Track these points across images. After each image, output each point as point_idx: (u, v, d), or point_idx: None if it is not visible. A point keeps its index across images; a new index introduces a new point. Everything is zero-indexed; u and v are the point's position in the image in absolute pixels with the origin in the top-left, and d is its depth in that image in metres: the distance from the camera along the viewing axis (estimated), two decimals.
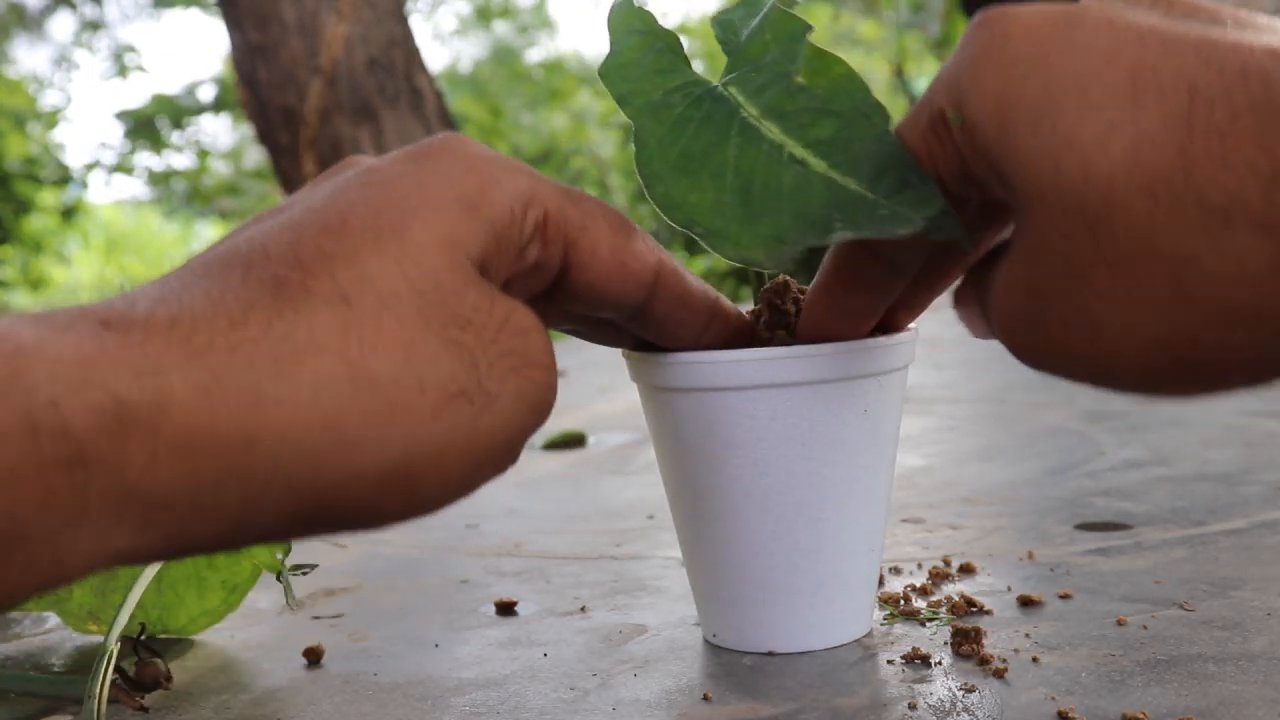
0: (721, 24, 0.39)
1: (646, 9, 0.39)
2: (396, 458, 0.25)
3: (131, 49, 7.57)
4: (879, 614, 0.45)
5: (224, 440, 0.23)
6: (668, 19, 7.25)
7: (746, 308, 0.41)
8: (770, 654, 0.41)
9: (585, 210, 0.30)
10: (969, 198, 0.32)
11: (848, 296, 0.36)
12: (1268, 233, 0.24)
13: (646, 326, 0.34)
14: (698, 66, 0.38)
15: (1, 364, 0.21)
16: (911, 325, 0.40)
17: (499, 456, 0.27)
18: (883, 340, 0.38)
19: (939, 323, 0.59)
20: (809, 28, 0.36)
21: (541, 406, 0.28)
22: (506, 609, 0.49)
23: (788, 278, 0.41)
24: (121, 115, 7.30)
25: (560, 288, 0.31)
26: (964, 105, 0.29)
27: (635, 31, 0.38)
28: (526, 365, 0.27)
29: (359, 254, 0.25)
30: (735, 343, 0.37)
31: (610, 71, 0.37)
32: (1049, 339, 0.29)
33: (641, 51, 0.38)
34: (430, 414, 0.25)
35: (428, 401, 0.25)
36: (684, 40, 0.39)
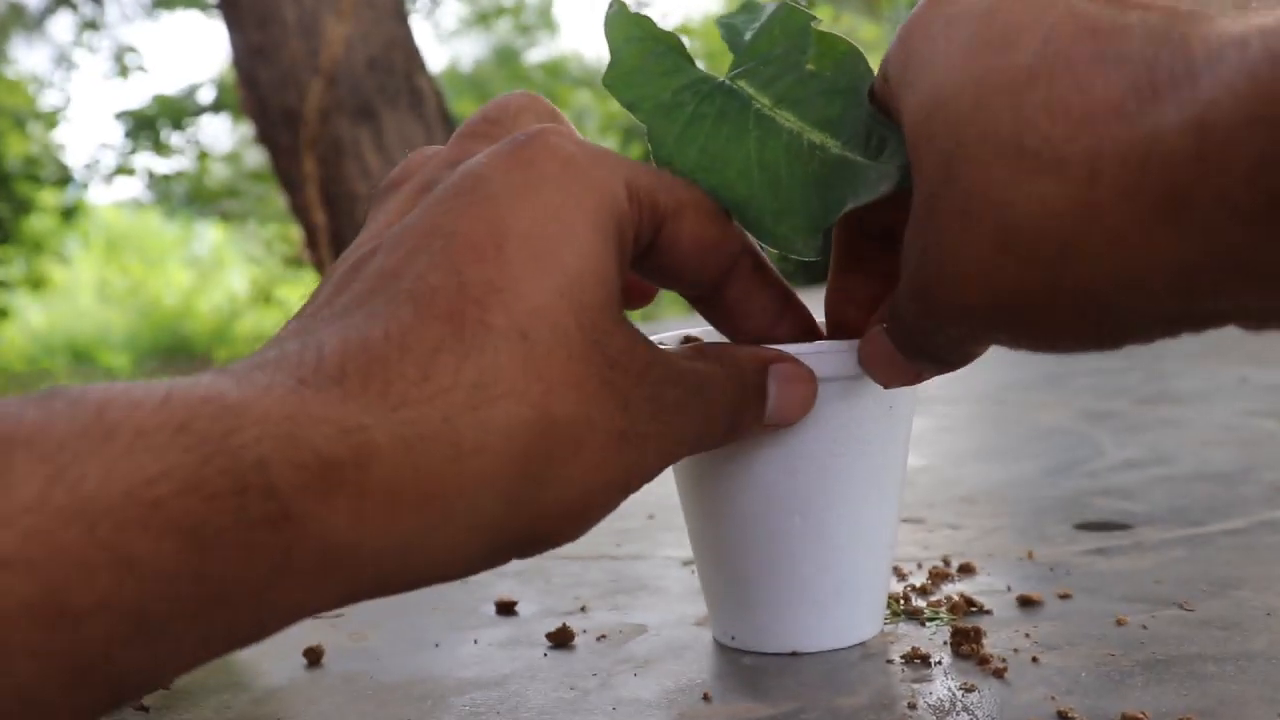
0: (726, 26, 0.40)
1: (643, 14, 0.39)
2: (577, 495, 0.26)
3: (132, 49, 7.56)
4: None
5: (428, 492, 0.23)
6: (668, 19, 7.25)
7: None
8: (794, 654, 0.41)
9: (676, 198, 0.31)
10: None
11: (855, 284, 0.38)
12: (1062, 172, 0.25)
13: (716, 311, 0.35)
14: (699, 66, 0.38)
15: (210, 422, 0.22)
16: None
17: (638, 487, 0.29)
18: None
19: None
20: (815, 18, 0.37)
21: (677, 453, 0.29)
22: (506, 609, 0.49)
23: None
24: (121, 116, 7.30)
25: (638, 263, 0.32)
26: (885, 70, 0.32)
27: (634, 39, 0.38)
28: (664, 412, 0.28)
29: (525, 284, 0.26)
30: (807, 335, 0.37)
31: (615, 81, 0.37)
32: (925, 281, 0.29)
33: (643, 57, 0.38)
34: (600, 453, 0.26)
35: (597, 441, 0.26)
36: (684, 40, 0.39)
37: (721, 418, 0.32)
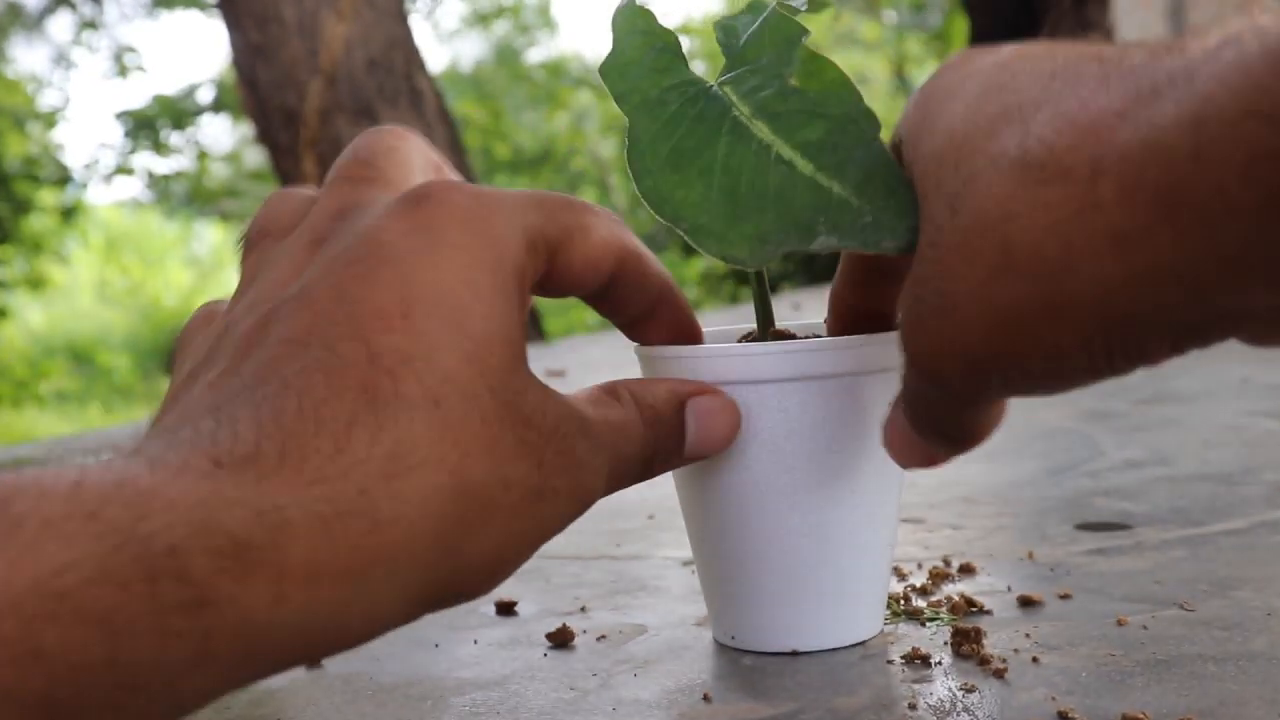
0: (724, 28, 0.40)
1: (648, 9, 0.39)
2: (491, 554, 0.27)
3: (131, 49, 7.56)
4: None
5: (347, 566, 0.24)
6: (669, 19, 7.25)
7: (747, 312, 0.41)
8: (794, 653, 0.41)
9: (562, 227, 0.31)
10: None
11: (859, 295, 0.38)
12: (1065, 179, 0.25)
13: (598, 305, 0.35)
14: (699, 67, 0.38)
15: (120, 509, 0.21)
16: None
17: (551, 538, 0.29)
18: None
19: None
20: (805, 32, 0.37)
21: (589, 502, 0.30)
22: (506, 609, 0.49)
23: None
24: (121, 116, 7.30)
25: (533, 290, 0.32)
26: (901, 127, 0.32)
27: (637, 31, 0.38)
28: (575, 467, 0.29)
29: (435, 352, 0.26)
30: (680, 331, 0.37)
31: (610, 70, 0.37)
32: (923, 331, 0.29)
33: (642, 51, 0.38)
34: (514, 512, 0.27)
35: (512, 500, 0.27)
36: (685, 40, 0.39)
37: (636, 460, 0.32)
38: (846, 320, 0.39)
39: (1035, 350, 0.27)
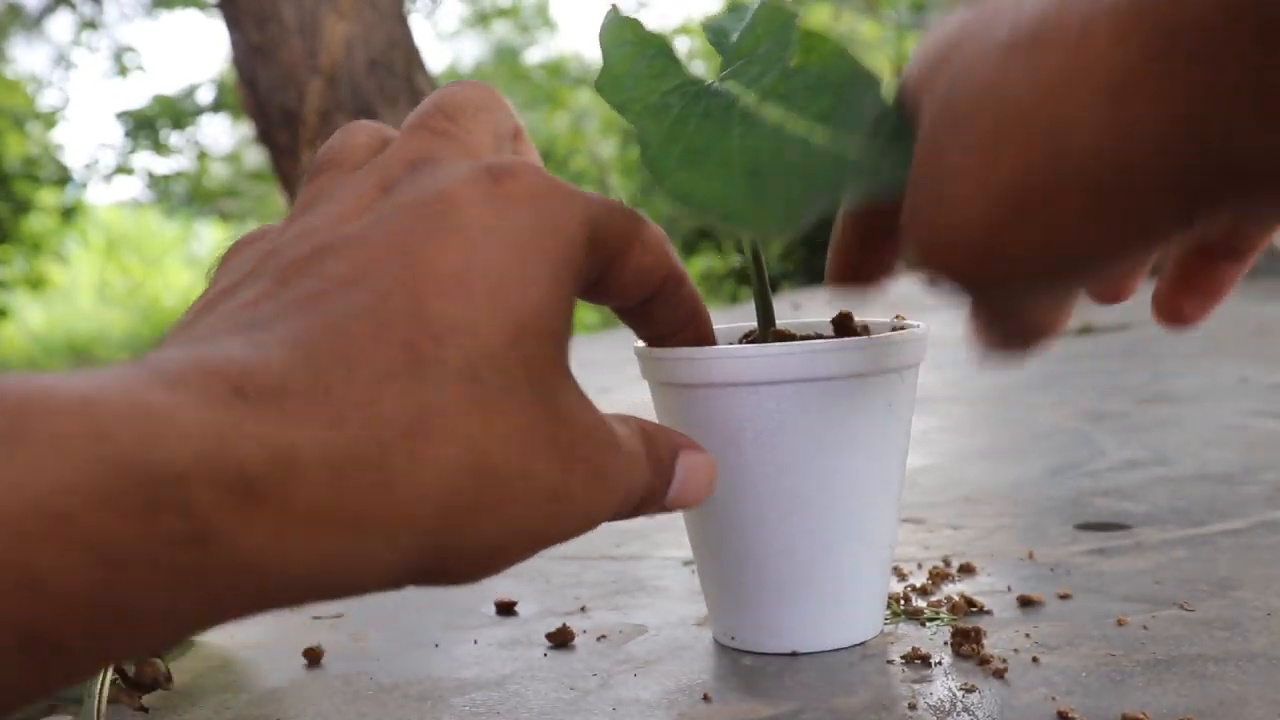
0: (712, 29, 0.40)
1: (635, 19, 0.39)
2: (491, 543, 0.26)
3: (131, 49, 7.56)
4: None
5: (349, 519, 0.23)
6: (668, 20, 7.26)
7: (747, 312, 0.41)
8: (793, 654, 0.41)
9: (624, 233, 0.31)
10: None
11: (860, 252, 0.37)
12: (1058, 40, 0.25)
13: (627, 316, 0.35)
14: (699, 67, 0.38)
15: (131, 431, 0.21)
16: (919, 323, 0.41)
17: (545, 548, 0.28)
18: (903, 335, 0.39)
19: (940, 324, 0.59)
20: (796, 14, 0.37)
21: (596, 521, 0.29)
22: (506, 609, 0.49)
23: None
24: (121, 116, 7.30)
25: (580, 296, 0.32)
26: (903, 83, 0.32)
27: (626, 43, 0.38)
28: (597, 478, 0.28)
29: (483, 328, 0.25)
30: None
31: (606, 84, 0.37)
32: (923, 220, 0.29)
33: (634, 61, 0.38)
34: (527, 506, 0.26)
35: (528, 493, 0.26)
36: (685, 40, 0.39)
37: (636, 494, 0.32)
38: (849, 271, 0.38)
39: (1036, 224, 0.27)
